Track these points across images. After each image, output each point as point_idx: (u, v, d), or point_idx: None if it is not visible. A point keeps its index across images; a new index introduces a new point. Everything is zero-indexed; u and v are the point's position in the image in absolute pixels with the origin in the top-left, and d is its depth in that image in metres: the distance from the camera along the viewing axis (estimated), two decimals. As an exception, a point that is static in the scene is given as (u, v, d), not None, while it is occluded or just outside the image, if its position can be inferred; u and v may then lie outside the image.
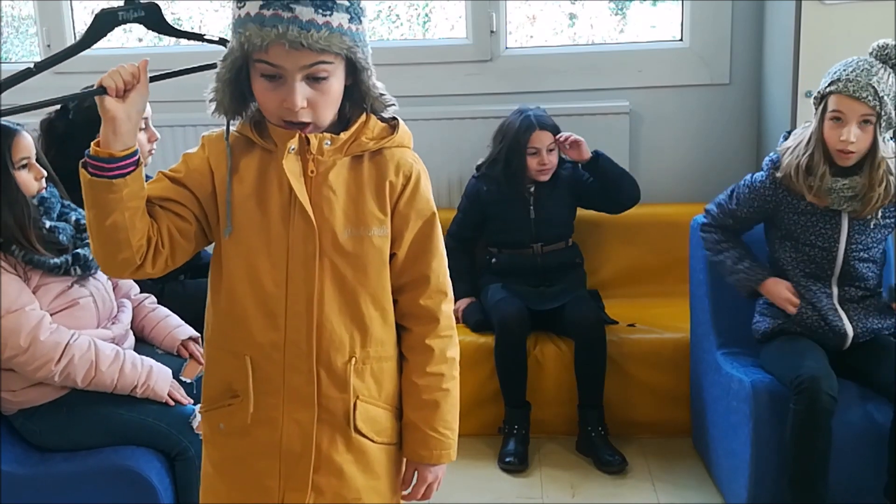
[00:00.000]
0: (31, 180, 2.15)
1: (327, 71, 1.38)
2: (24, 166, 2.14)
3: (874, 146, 2.31)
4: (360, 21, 1.39)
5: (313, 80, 1.37)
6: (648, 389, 3.01)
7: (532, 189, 3.14)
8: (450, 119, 3.54)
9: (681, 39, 3.61)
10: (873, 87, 2.25)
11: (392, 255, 1.49)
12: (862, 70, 2.27)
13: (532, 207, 3.13)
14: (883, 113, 2.27)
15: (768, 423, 2.38)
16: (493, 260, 3.19)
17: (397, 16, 3.81)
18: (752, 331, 2.58)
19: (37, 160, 2.18)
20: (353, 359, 1.48)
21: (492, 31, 3.56)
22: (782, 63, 3.17)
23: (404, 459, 1.60)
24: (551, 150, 3.10)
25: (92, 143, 1.39)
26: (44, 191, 2.20)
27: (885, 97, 2.26)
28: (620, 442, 2.94)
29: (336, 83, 1.41)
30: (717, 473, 2.74)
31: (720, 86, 3.53)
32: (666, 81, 3.56)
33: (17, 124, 2.16)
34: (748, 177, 2.53)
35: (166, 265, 1.48)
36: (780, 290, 2.46)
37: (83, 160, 1.39)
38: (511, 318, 2.95)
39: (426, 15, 3.82)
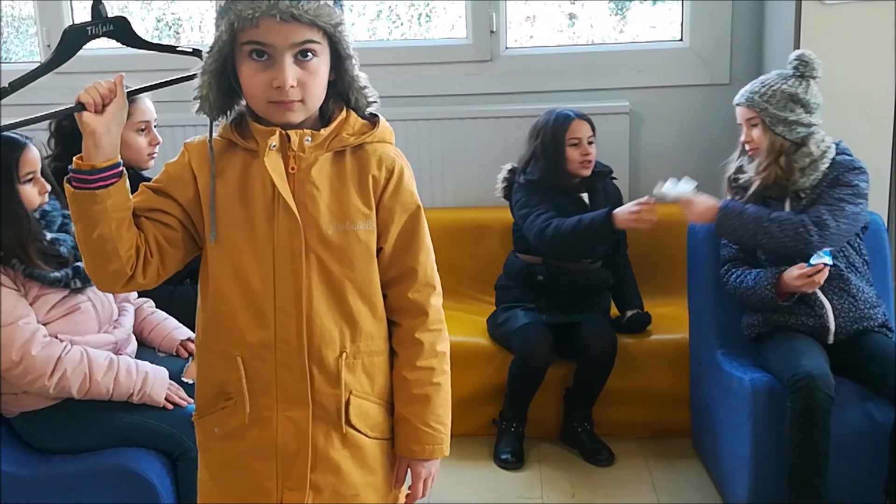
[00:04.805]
0: (35, 194, 2.14)
1: (315, 50, 1.39)
2: (29, 180, 2.13)
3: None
4: (342, 9, 1.42)
5: (302, 59, 1.39)
6: (648, 389, 3.01)
7: (586, 198, 3.05)
8: (450, 119, 3.53)
9: (681, 39, 3.62)
10: (749, 93, 2.55)
11: (379, 250, 1.50)
12: (757, 82, 2.57)
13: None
14: (759, 110, 2.52)
15: (768, 422, 2.38)
16: (540, 277, 3.02)
17: (397, 16, 3.81)
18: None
19: (42, 173, 2.16)
20: (344, 353, 1.48)
21: (492, 31, 3.57)
22: (782, 63, 3.14)
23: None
24: (591, 143, 3.02)
25: (74, 158, 1.41)
26: (45, 204, 2.19)
27: (759, 97, 2.52)
28: (621, 442, 2.94)
29: (323, 66, 1.42)
30: (717, 473, 2.74)
31: (720, 86, 3.53)
32: (666, 81, 3.56)
33: (26, 137, 2.14)
34: None
35: (158, 275, 1.49)
36: (793, 280, 2.41)
37: (67, 175, 1.41)
38: (535, 348, 2.87)
39: (426, 15, 3.81)
